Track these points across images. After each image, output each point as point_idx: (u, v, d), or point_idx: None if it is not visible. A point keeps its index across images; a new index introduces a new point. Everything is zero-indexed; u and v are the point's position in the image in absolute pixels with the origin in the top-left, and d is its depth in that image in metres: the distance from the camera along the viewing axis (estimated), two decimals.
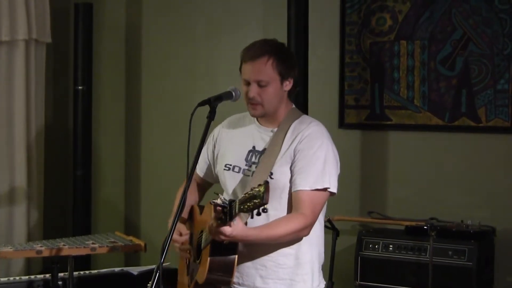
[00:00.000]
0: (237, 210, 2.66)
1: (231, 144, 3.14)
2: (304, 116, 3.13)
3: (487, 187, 4.54)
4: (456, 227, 4.30)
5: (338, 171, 3.08)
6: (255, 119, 3.12)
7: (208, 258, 2.87)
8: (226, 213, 2.71)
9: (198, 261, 3.03)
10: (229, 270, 2.89)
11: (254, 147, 3.07)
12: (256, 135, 3.10)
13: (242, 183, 3.04)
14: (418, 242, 4.28)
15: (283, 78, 3.00)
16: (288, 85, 3.03)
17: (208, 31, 5.40)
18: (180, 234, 3.11)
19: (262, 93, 2.98)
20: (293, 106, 3.14)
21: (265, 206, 2.57)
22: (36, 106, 5.29)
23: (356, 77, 4.88)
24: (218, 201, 2.75)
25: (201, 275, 2.91)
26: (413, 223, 4.38)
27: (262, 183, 2.60)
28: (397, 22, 4.75)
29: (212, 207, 2.81)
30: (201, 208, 3.24)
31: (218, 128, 3.23)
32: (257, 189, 2.59)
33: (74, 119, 5.28)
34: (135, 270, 4.00)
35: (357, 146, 4.88)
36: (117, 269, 4.04)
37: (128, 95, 5.73)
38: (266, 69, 2.95)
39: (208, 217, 2.96)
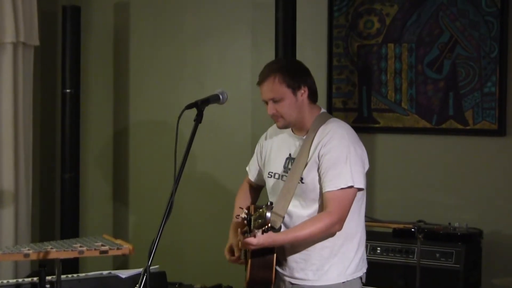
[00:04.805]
0: (252, 226, 3.08)
1: (272, 153, 3.42)
2: (330, 120, 3.30)
3: (474, 190, 4.56)
4: (444, 229, 4.31)
5: (366, 167, 3.29)
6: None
7: (249, 260, 3.21)
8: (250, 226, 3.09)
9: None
10: (268, 268, 3.20)
11: (290, 154, 3.32)
12: (291, 142, 3.35)
13: (280, 188, 3.30)
14: (405, 244, 4.29)
15: (294, 89, 3.23)
16: (303, 93, 3.25)
17: (196, 34, 5.40)
18: (231, 252, 3.41)
19: (278, 108, 3.23)
20: (322, 110, 3.35)
21: (268, 226, 2.94)
22: (24, 109, 5.26)
23: (344, 80, 4.89)
24: (242, 215, 3.22)
25: (246, 274, 3.25)
26: (401, 226, 4.38)
27: (267, 204, 2.94)
28: (384, 25, 4.76)
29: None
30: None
31: (263, 136, 3.52)
32: (262, 210, 2.94)
33: (62, 122, 5.26)
34: (123, 273, 3.99)
35: None
36: (105, 272, 4.03)
37: (116, 98, 5.71)
38: (274, 86, 3.21)
39: None
